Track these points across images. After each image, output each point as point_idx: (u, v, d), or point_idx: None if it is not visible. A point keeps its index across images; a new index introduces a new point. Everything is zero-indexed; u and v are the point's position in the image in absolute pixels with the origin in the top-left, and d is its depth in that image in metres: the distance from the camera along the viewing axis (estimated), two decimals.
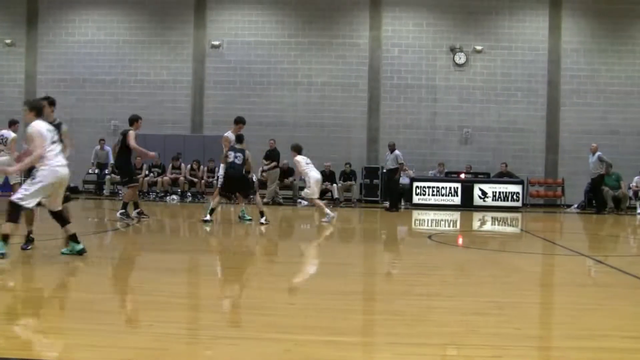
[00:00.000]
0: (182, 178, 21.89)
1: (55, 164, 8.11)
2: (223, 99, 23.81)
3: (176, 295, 6.72)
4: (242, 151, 14.00)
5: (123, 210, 14.05)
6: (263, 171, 21.02)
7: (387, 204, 19.97)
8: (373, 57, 23.82)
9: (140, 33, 24.61)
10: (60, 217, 8.52)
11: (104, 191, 22.62)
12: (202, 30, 24.23)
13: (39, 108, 8.51)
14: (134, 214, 14.23)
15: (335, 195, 21.83)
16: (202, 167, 22.10)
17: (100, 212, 18.05)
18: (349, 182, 22.32)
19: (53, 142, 8.23)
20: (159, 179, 21.80)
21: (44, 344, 4.76)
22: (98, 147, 23.04)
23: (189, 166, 22.05)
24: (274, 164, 20.87)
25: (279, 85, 23.87)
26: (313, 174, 15.94)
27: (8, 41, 24.67)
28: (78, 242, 8.47)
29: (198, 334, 5.22)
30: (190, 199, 21.66)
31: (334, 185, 21.99)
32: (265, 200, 20.55)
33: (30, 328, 5.28)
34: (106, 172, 22.81)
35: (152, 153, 14.71)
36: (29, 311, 5.93)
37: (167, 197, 21.73)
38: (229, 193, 14.39)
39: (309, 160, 16.26)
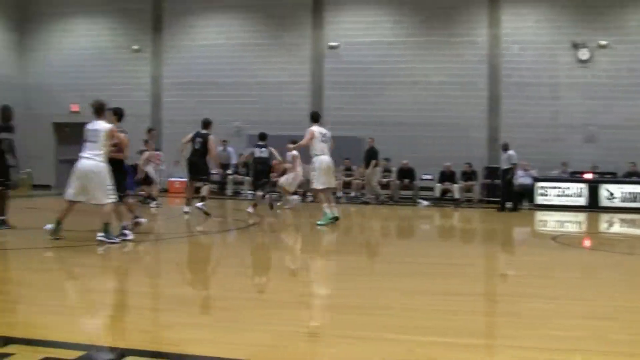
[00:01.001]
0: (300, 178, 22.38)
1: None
2: (341, 99, 24.23)
3: (296, 294, 6.96)
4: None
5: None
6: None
7: (509, 204, 19.72)
8: (492, 55, 23.68)
9: (259, 36, 25.38)
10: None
11: (227, 191, 23.41)
12: (320, 31, 24.74)
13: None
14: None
15: (456, 195, 21.88)
16: None
17: (222, 212, 18.74)
18: (469, 182, 22.28)
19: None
20: None
21: (169, 339, 5.05)
22: (221, 147, 23.90)
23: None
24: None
25: (396, 85, 24.05)
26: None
27: (135, 47, 26.06)
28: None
29: (319, 333, 5.40)
30: (309, 199, 22.13)
31: (455, 185, 22.01)
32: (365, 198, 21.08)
33: (156, 323, 5.72)
34: (229, 172, 23.61)
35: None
36: (156, 307, 6.44)
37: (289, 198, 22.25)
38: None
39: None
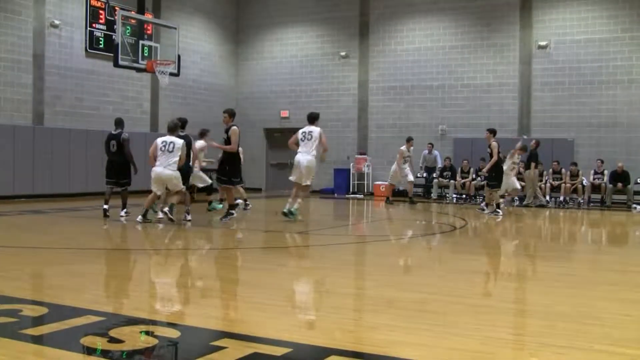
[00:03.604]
0: None
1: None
2: (551, 100, 24.45)
3: (504, 300, 7.21)
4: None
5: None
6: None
7: None
8: None
9: (466, 38, 26.09)
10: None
11: (432, 194, 24.31)
12: (528, 31, 25.03)
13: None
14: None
15: None
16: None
17: (427, 215, 19.58)
18: None
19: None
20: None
21: (373, 340, 5.32)
22: (426, 151, 24.97)
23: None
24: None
25: (611, 84, 23.85)
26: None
27: (343, 53, 27.88)
28: None
29: (524, 340, 5.48)
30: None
31: None
32: (525, 202, 21.11)
33: (361, 323, 5.98)
34: (434, 176, 24.54)
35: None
36: (361, 307, 6.85)
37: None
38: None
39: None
